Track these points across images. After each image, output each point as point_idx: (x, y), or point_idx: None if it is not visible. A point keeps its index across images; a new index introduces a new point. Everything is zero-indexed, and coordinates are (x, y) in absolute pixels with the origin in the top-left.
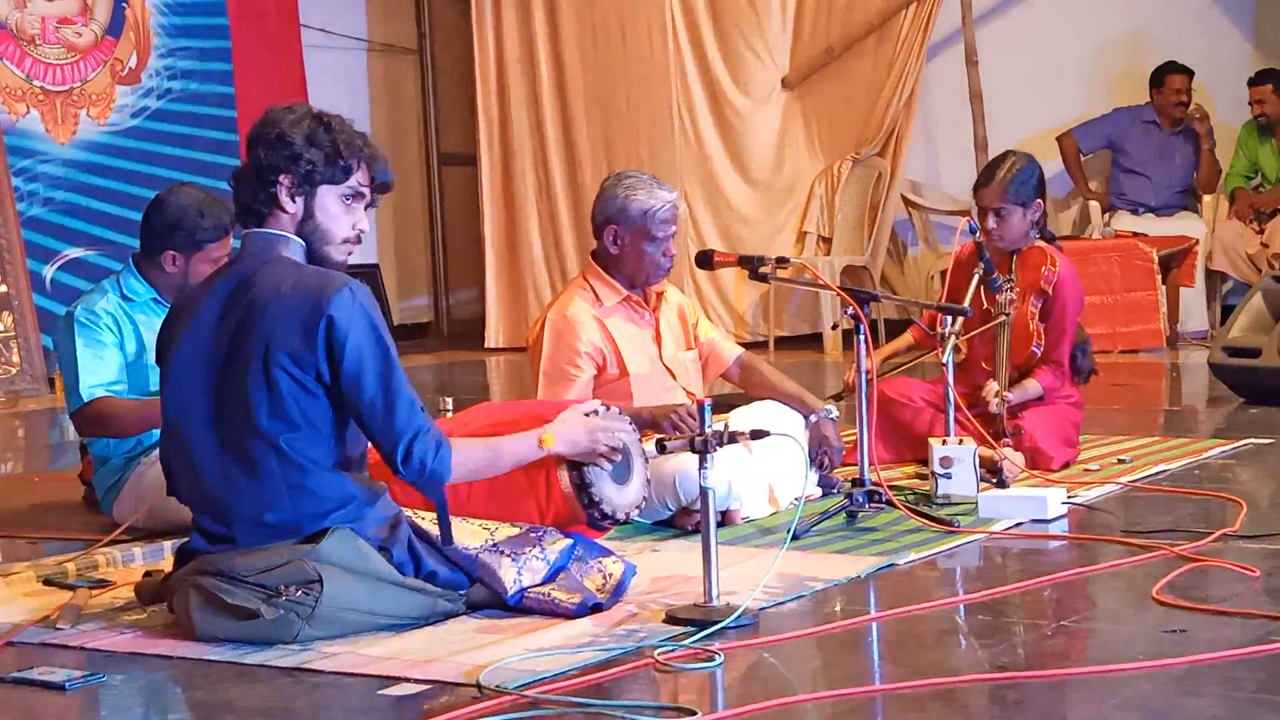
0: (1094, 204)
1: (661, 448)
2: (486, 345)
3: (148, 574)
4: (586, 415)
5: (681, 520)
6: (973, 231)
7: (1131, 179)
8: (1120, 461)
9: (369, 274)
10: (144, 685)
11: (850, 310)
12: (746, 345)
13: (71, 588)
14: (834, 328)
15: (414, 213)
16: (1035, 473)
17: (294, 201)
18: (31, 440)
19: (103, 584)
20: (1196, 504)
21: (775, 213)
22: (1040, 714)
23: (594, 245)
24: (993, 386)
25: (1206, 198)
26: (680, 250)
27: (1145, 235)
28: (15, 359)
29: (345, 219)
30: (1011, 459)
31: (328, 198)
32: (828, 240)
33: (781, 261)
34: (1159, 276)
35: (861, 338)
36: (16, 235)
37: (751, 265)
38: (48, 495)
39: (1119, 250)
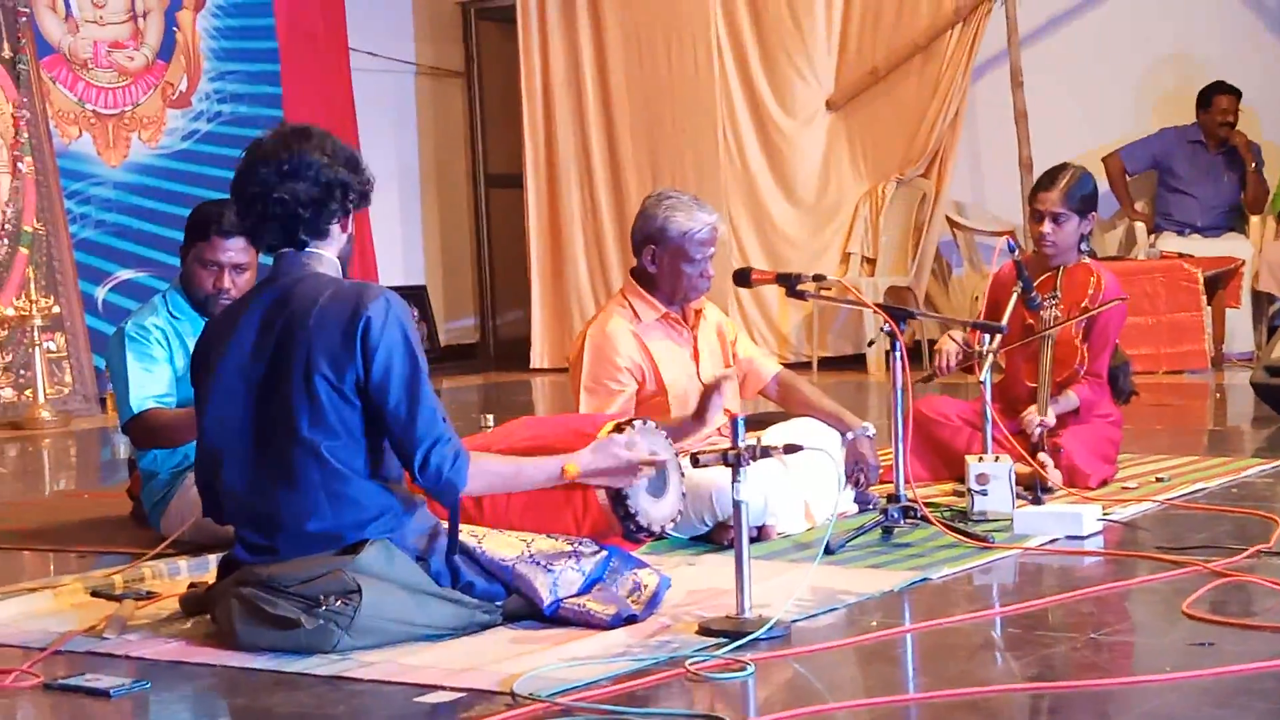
0: (1139, 224)
1: (695, 462)
2: (532, 366)
3: (192, 585)
4: (622, 431)
5: (718, 535)
6: (1011, 250)
7: (1178, 199)
8: (1159, 480)
9: (416, 295)
10: (186, 693)
11: (887, 328)
12: (790, 365)
13: (118, 599)
14: (870, 345)
15: (461, 234)
16: (1073, 490)
17: (350, 222)
18: (83, 459)
19: (148, 596)
20: (1233, 521)
21: (820, 233)
22: None
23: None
24: (1034, 416)
25: (1254, 218)
26: (724, 270)
27: (1190, 256)
28: (68, 379)
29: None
30: (1052, 474)
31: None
32: (872, 261)
33: (819, 279)
34: (1204, 297)
35: (898, 354)
36: (69, 257)
37: (789, 283)
38: (97, 511)
39: (1164, 271)
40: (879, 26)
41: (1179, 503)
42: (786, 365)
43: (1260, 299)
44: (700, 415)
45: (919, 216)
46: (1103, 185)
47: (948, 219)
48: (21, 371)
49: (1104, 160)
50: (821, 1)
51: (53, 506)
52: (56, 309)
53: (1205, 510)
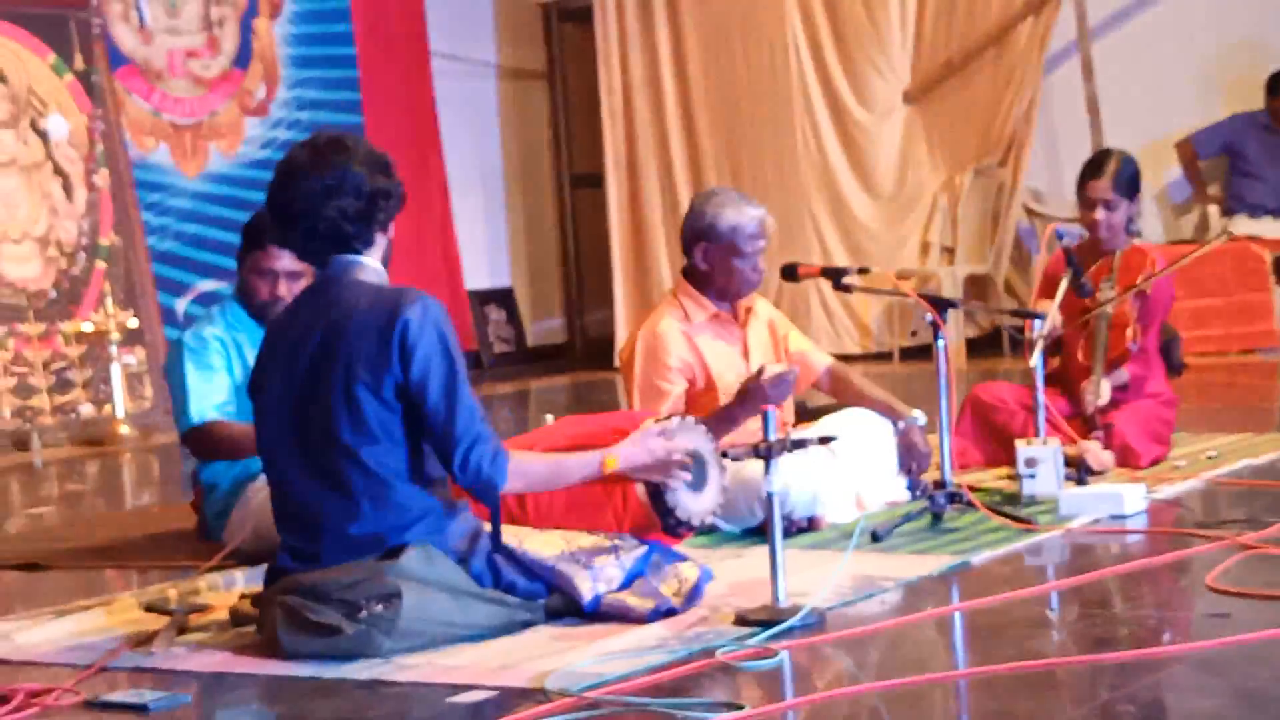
0: (1213, 208)
1: (724, 455)
2: (616, 365)
3: (242, 596)
4: (660, 432)
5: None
6: (1060, 238)
7: (1250, 183)
8: (1209, 457)
9: (503, 296)
10: (225, 703)
11: (930, 317)
12: (872, 357)
13: (171, 613)
14: (913, 334)
15: (547, 235)
16: (1123, 470)
17: (392, 227)
18: (165, 473)
19: (202, 609)
20: (1274, 496)
21: (899, 225)
22: (1073, 695)
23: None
24: (1090, 397)
25: None
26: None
27: (1261, 238)
28: (148, 393)
29: None
30: (1096, 453)
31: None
32: (951, 250)
33: (863, 272)
34: (1273, 277)
35: (941, 343)
36: (147, 270)
37: (835, 276)
38: (164, 525)
39: (1231, 253)
40: (952, 20)
41: (1224, 479)
42: (869, 356)
43: None
44: (742, 401)
45: (996, 205)
46: (1175, 171)
47: (1025, 207)
48: (100, 387)
49: (1176, 146)
50: None
51: (123, 522)
52: (134, 323)
53: (1249, 485)
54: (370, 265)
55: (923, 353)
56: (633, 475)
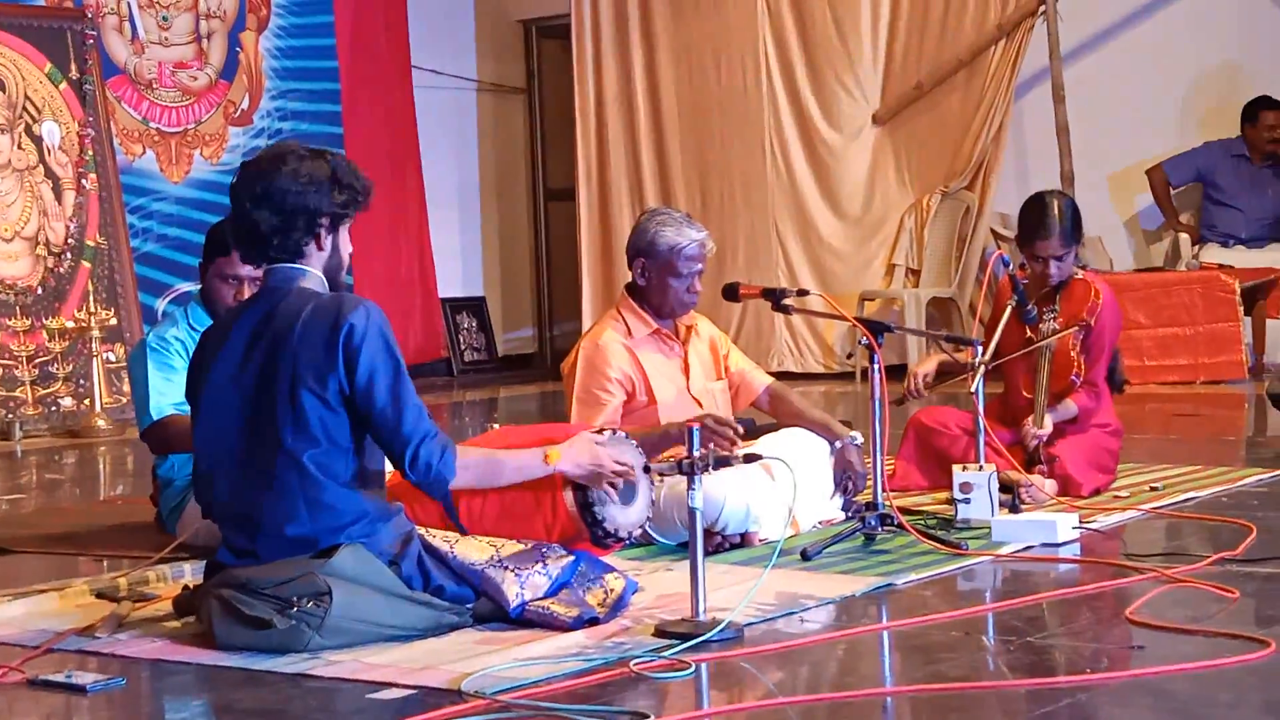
0: (1184, 236)
1: (647, 470)
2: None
3: (185, 588)
4: (596, 442)
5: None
6: (1006, 265)
7: (1222, 211)
8: (1152, 489)
9: (475, 306)
10: (159, 689)
11: (865, 340)
12: (835, 376)
13: (118, 600)
14: (849, 357)
15: (520, 247)
16: (1063, 500)
17: (328, 240)
18: (139, 466)
19: (149, 598)
20: (1209, 529)
21: (865, 246)
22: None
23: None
24: (1031, 429)
25: None
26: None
27: (1230, 267)
28: (125, 388)
29: (347, 246)
30: (1039, 485)
31: (344, 233)
32: (916, 273)
33: (803, 294)
34: (1241, 308)
35: (876, 366)
36: (130, 271)
37: (774, 297)
38: (128, 517)
39: (1201, 282)
40: (924, 43)
41: (1163, 511)
42: (831, 376)
43: None
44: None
45: (963, 229)
46: (1146, 197)
47: (992, 231)
48: (81, 381)
49: (1148, 173)
50: (868, 18)
51: (90, 512)
52: (114, 320)
53: (1187, 519)
54: (313, 274)
55: (888, 373)
56: (571, 474)
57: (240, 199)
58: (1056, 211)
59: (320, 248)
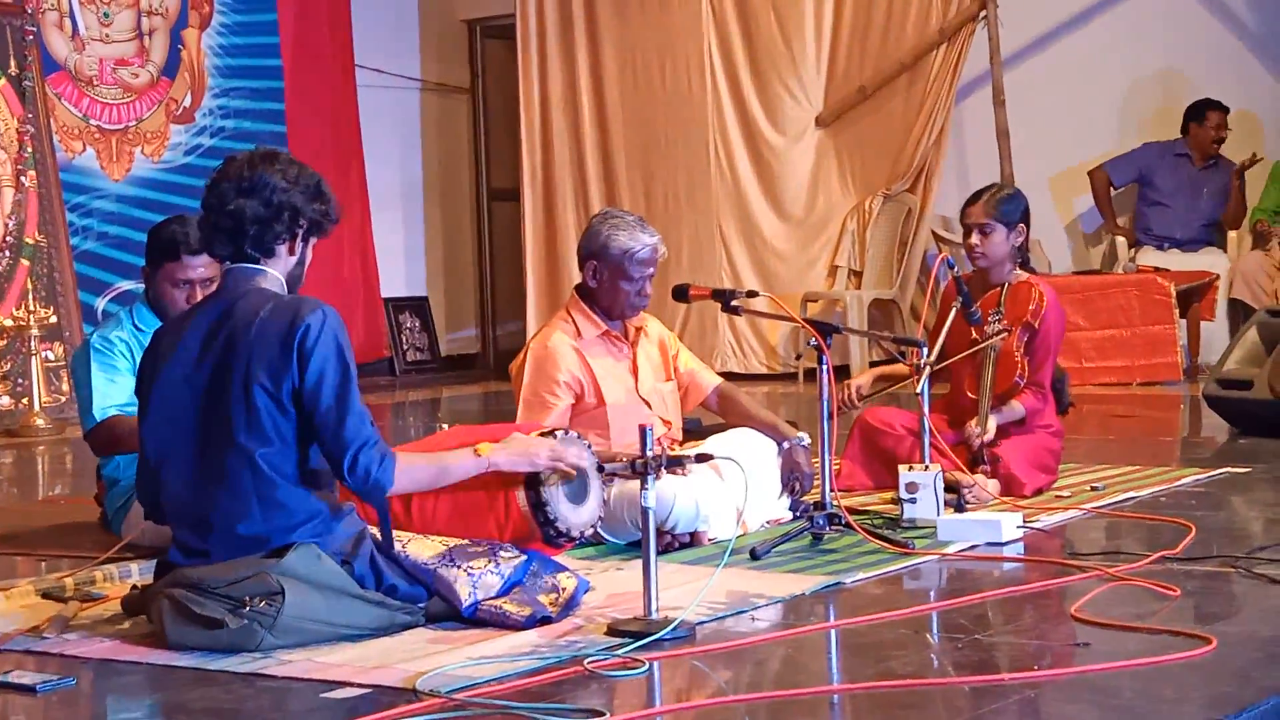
0: (1121, 239)
1: (600, 469)
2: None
3: (134, 588)
4: (544, 437)
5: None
6: (950, 267)
7: (1158, 212)
8: (1093, 489)
9: (418, 305)
10: (110, 688)
11: (813, 341)
12: (778, 377)
13: (65, 600)
14: (797, 358)
15: (464, 247)
16: (1006, 499)
17: (299, 246)
18: (78, 465)
19: (96, 598)
20: (1149, 529)
21: (808, 247)
22: (925, 716)
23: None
24: (974, 430)
25: (1231, 233)
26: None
27: (1166, 270)
28: (65, 387)
29: (309, 260)
30: (982, 485)
31: (310, 247)
32: (859, 274)
33: (752, 295)
34: (1176, 311)
35: (824, 368)
36: (69, 268)
37: (723, 298)
38: (71, 516)
39: (1137, 285)
40: (866, 46)
41: (1105, 511)
42: (775, 376)
43: (1236, 311)
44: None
45: (904, 231)
46: (1087, 200)
47: (933, 233)
48: (19, 380)
49: (1090, 174)
50: (811, 22)
51: (30, 512)
52: (54, 319)
53: (1127, 518)
54: (271, 274)
55: (835, 374)
56: (505, 466)
57: (223, 188)
58: (995, 187)
59: (291, 252)
